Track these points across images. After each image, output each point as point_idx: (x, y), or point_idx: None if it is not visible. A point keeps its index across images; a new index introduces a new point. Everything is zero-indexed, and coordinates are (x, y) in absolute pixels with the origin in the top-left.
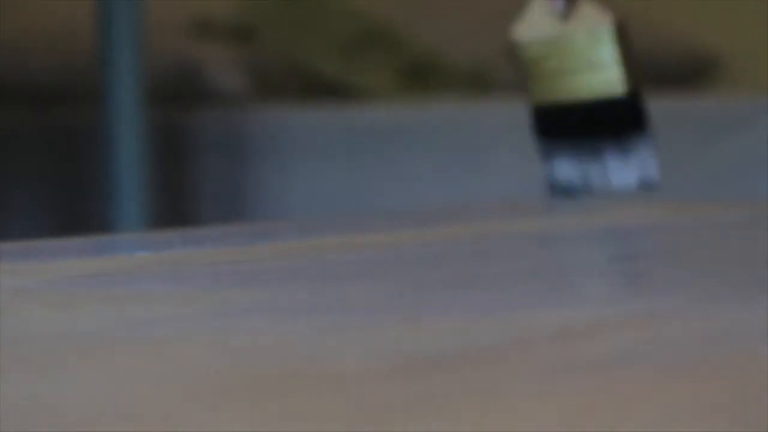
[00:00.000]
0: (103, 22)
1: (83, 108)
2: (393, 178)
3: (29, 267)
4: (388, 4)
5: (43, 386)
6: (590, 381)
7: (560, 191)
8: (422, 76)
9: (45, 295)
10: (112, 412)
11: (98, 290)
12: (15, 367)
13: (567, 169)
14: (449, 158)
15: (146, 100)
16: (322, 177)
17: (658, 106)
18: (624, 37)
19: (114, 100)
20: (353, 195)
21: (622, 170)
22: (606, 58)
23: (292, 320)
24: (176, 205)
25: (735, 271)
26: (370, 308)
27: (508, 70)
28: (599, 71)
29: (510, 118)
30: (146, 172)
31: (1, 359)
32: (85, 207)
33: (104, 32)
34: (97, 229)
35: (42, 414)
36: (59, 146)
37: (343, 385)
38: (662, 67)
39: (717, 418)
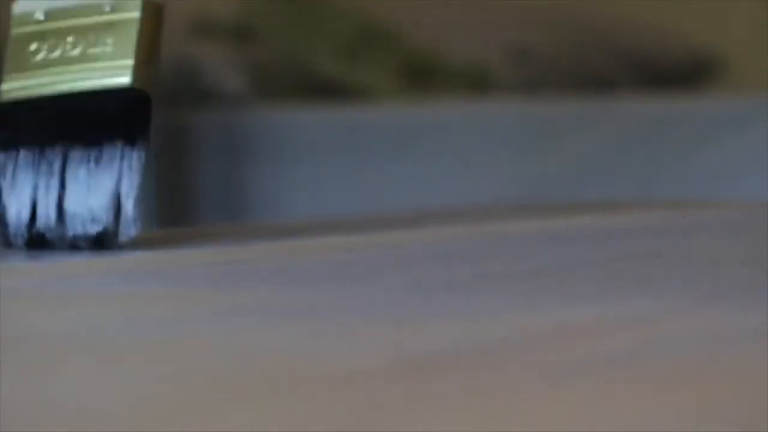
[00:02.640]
0: None
1: None
2: (393, 178)
3: (29, 267)
4: (388, 4)
5: (42, 386)
6: (590, 381)
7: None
8: (422, 76)
9: (45, 295)
10: (112, 412)
11: (98, 290)
12: (15, 367)
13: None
14: (449, 158)
15: None
16: (322, 177)
17: (658, 106)
18: (154, 22)
19: None
20: (353, 195)
21: (86, 192)
22: (120, 39)
23: (292, 320)
24: (176, 205)
25: (734, 271)
26: (369, 308)
27: (507, 70)
28: (103, 56)
29: (510, 118)
30: (147, 172)
31: (1, 359)
32: None
33: None
34: None
35: (42, 414)
36: None
37: (343, 385)
38: (662, 67)
39: (717, 419)
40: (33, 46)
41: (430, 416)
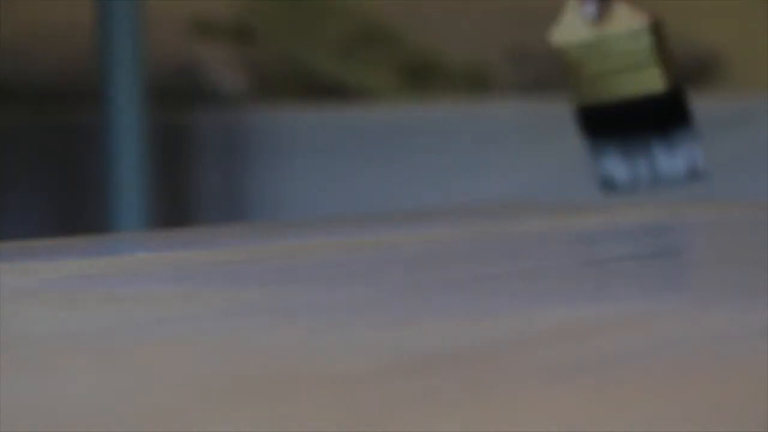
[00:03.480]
0: (103, 22)
1: (83, 108)
2: (393, 178)
3: (29, 267)
4: (388, 4)
5: (43, 386)
6: (590, 381)
7: (611, 187)
8: (422, 76)
9: (45, 295)
10: (112, 411)
11: (98, 290)
12: (15, 367)
13: (616, 164)
14: (449, 158)
15: (146, 100)
16: (322, 177)
17: None
18: (661, 35)
19: (114, 100)
20: (353, 195)
21: (670, 162)
22: (644, 57)
23: (292, 320)
24: (176, 205)
25: (735, 271)
26: (369, 308)
27: (507, 70)
28: (639, 71)
29: (510, 118)
30: (146, 172)
31: (1, 359)
32: (85, 207)
33: (104, 32)
34: (97, 229)
35: (42, 414)
36: (59, 146)
37: (343, 385)
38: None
39: (717, 419)
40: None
41: (430, 416)
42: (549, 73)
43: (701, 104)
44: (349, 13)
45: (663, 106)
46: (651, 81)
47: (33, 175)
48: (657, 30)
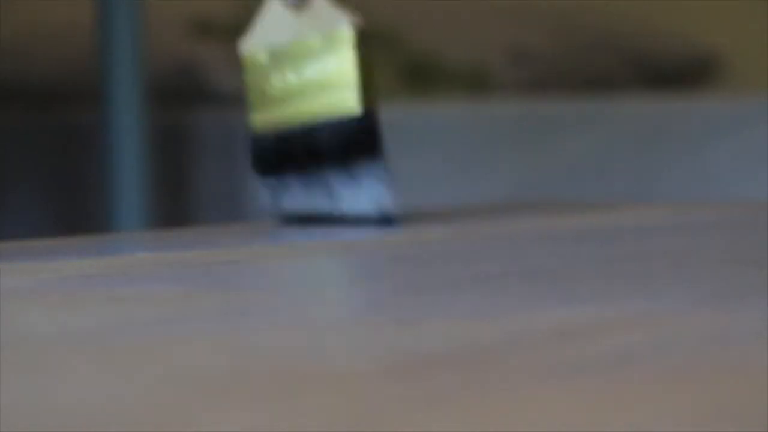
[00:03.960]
0: (103, 21)
1: (83, 108)
2: (393, 178)
3: (29, 267)
4: (388, 4)
5: (43, 386)
6: (590, 381)
7: (292, 220)
8: (422, 76)
9: (45, 295)
10: (111, 412)
11: (98, 290)
12: (15, 367)
13: (295, 199)
14: (448, 158)
15: (146, 100)
16: None
17: (657, 106)
18: (363, 46)
19: (114, 100)
20: None
21: (353, 200)
22: (342, 69)
23: (292, 320)
24: (176, 205)
25: (735, 271)
26: (369, 308)
27: (507, 70)
28: (333, 86)
29: (510, 118)
30: (146, 172)
31: (1, 359)
32: (85, 207)
33: (104, 32)
34: (97, 229)
35: (42, 414)
36: (59, 146)
37: (343, 385)
38: (662, 67)
39: (717, 419)
40: (266, 82)
41: (430, 416)
42: (549, 73)
43: (701, 104)
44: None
45: (352, 132)
46: (344, 101)
47: (33, 175)
48: (361, 38)
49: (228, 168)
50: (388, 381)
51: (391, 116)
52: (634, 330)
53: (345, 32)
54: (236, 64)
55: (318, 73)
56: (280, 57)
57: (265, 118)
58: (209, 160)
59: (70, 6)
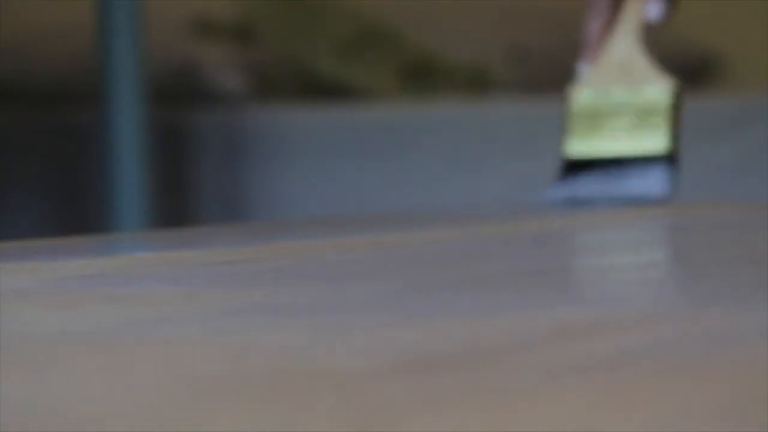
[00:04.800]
0: (103, 21)
1: (83, 108)
2: (392, 178)
3: (29, 267)
4: (388, 4)
5: (43, 386)
6: (590, 381)
7: (571, 204)
8: (422, 76)
9: (45, 295)
10: (112, 412)
11: (98, 290)
12: (15, 367)
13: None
14: (448, 158)
15: (146, 100)
16: (322, 177)
17: None
18: (678, 103)
19: (114, 100)
20: (353, 195)
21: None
22: (658, 123)
23: (292, 320)
24: (176, 205)
25: (735, 271)
26: (370, 308)
27: (507, 70)
28: (647, 134)
29: (509, 118)
30: (146, 172)
31: (1, 359)
32: (85, 207)
33: (104, 32)
34: (97, 229)
35: (42, 414)
36: (59, 146)
37: (343, 385)
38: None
39: (717, 418)
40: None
41: (430, 416)
42: (549, 73)
43: (701, 104)
44: (349, 13)
45: (654, 166)
46: (655, 145)
47: (33, 175)
48: (678, 98)
49: (228, 168)
50: (388, 381)
51: (391, 116)
52: (634, 330)
53: (666, 94)
54: (236, 64)
55: (637, 121)
56: (605, 103)
57: (579, 146)
58: (209, 160)
59: (70, 6)
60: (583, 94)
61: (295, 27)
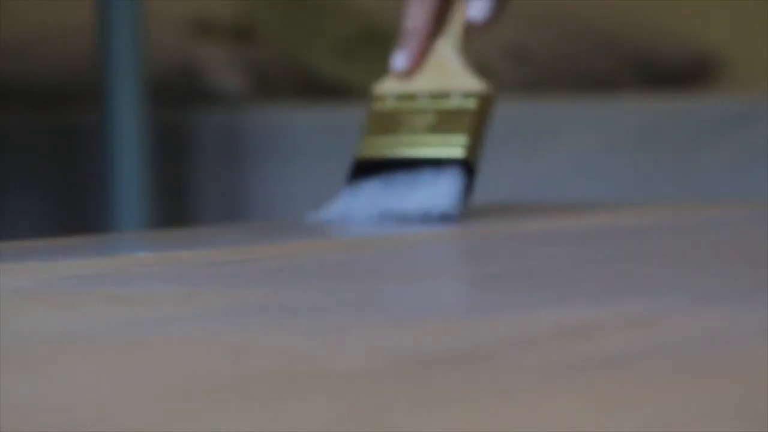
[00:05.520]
0: (103, 21)
1: (83, 108)
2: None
3: (29, 267)
4: (388, 4)
5: (43, 386)
6: (590, 381)
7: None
8: None
9: (45, 295)
10: (112, 412)
11: (98, 290)
12: (15, 367)
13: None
14: None
15: (146, 100)
16: (322, 177)
17: (657, 106)
18: (485, 110)
19: (114, 100)
20: None
21: (420, 199)
22: (458, 127)
23: (292, 320)
24: (176, 205)
25: (735, 271)
26: (369, 308)
27: (508, 70)
28: (446, 136)
29: (509, 118)
30: (146, 172)
31: (1, 359)
32: (85, 207)
33: (104, 32)
34: (97, 229)
35: (42, 414)
36: (59, 146)
37: (343, 385)
38: (662, 67)
39: (717, 418)
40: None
41: (430, 416)
42: (549, 73)
43: (701, 104)
44: (349, 13)
45: (449, 168)
46: (452, 147)
47: (33, 175)
48: (487, 102)
49: (228, 168)
50: (388, 381)
51: None
52: (634, 330)
53: (476, 96)
54: (236, 64)
55: (437, 120)
56: (406, 100)
57: (373, 143)
58: (209, 160)
59: (70, 6)
60: (387, 90)
61: (296, 27)
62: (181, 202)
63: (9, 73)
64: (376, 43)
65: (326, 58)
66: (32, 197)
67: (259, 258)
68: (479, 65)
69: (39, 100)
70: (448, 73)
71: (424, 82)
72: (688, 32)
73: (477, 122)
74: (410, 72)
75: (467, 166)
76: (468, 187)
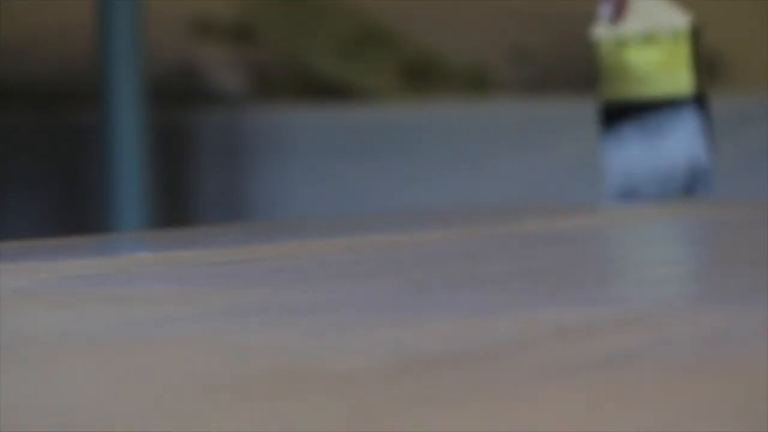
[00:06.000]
0: (103, 22)
1: (83, 108)
2: (392, 178)
3: (29, 267)
4: (388, 4)
5: (43, 386)
6: (590, 381)
7: (617, 195)
8: (422, 76)
9: (45, 295)
10: (112, 412)
11: (98, 290)
12: (15, 367)
13: (629, 150)
14: (448, 158)
15: (146, 100)
16: (322, 177)
17: None
18: (697, 41)
19: (114, 100)
20: (353, 195)
21: (677, 145)
22: (679, 59)
23: (292, 320)
24: (176, 205)
25: (735, 271)
26: (370, 308)
27: (508, 70)
28: (670, 72)
29: (509, 118)
30: (146, 172)
31: (1, 359)
32: (85, 207)
33: (104, 32)
34: (97, 229)
35: (42, 414)
36: (59, 146)
37: (343, 385)
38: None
39: (717, 418)
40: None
41: (430, 416)
42: (549, 73)
43: None
44: (349, 14)
45: (685, 113)
46: (680, 85)
47: (33, 175)
48: (696, 34)
49: (228, 168)
50: (388, 381)
51: (391, 116)
52: (634, 330)
53: (684, 29)
54: (236, 64)
55: (659, 59)
56: (625, 44)
57: (611, 91)
58: (209, 160)
59: (70, 6)
60: (606, 34)
61: (295, 27)
62: (181, 202)
63: (9, 73)
64: (376, 43)
65: (326, 58)
66: (32, 197)
67: (259, 258)
68: (479, 65)
69: (39, 100)
70: (653, 12)
71: (634, 23)
72: None
73: (695, 55)
74: (618, 18)
75: (701, 102)
76: (709, 123)
